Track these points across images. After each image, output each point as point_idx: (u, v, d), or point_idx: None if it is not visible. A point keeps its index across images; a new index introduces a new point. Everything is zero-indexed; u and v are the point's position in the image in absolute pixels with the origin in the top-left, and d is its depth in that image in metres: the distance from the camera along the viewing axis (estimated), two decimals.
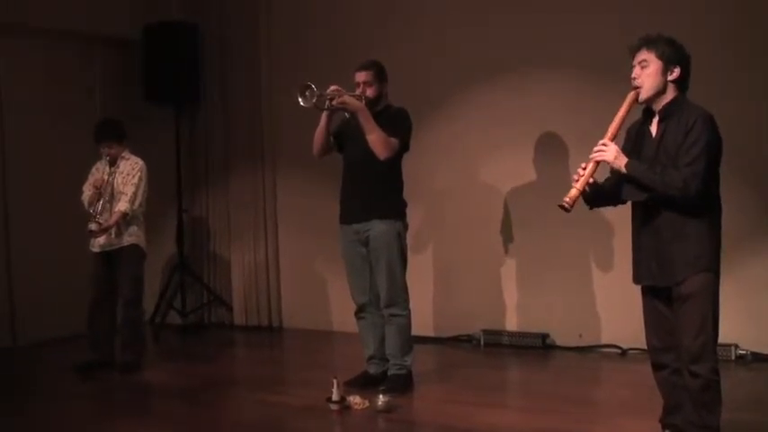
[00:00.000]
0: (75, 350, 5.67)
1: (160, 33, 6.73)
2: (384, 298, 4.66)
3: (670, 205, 3.20)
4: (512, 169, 5.88)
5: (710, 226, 3.24)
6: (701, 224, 3.21)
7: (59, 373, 5.38)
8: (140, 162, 5.42)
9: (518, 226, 5.91)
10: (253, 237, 6.93)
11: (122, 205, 5.27)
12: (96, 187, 5.30)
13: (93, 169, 5.47)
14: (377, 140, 4.49)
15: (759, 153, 5.08)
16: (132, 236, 5.38)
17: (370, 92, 4.62)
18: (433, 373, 5.27)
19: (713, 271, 3.23)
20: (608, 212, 4.87)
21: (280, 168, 6.88)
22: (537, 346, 5.76)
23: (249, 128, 6.89)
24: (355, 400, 4.38)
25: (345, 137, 4.74)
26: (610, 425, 4.08)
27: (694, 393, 3.21)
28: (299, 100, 4.38)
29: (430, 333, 6.11)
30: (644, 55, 3.27)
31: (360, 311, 4.81)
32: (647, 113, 3.37)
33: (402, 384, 4.67)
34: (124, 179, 5.35)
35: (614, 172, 3.36)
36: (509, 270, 5.94)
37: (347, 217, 4.73)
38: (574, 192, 3.25)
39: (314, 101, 4.40)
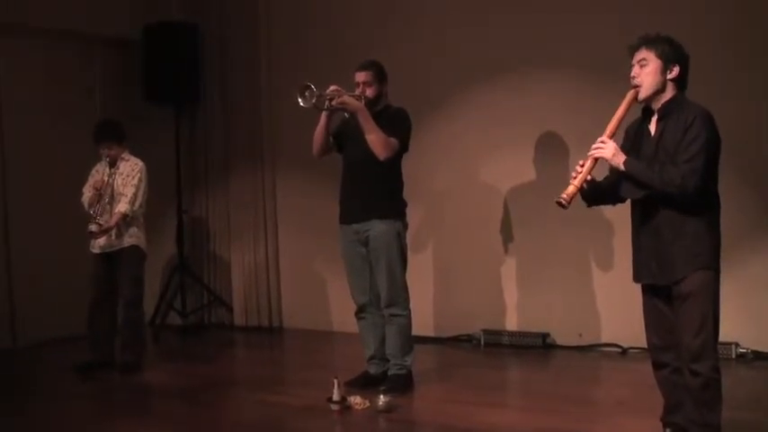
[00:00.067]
0: (75, 350, 5.67)
1: (160, 33, 6.73)
2: (384, 298, 4.66)
3: (668, 203, 3.20)
4: (511, 169, 5.89)
5: (709, 224, 3.25)
6: (699, 222, 3.21)
7: (59, 373, 5.38)
8: (140, 163, 5.42)
9: (518, 226, 5.91)
10: (253, 237, 6.93)
11: (122, 206, 5.27)
12: (96, 189, 5.30)
13: (94, 171, 5.47)
14: (376, 141, 4.49)
15: (759, 153, 5.09)
16: (132, 237, 5.38)
17: (369, 92, 4.62)
18: (433, 372, 5.27)
19: (713, 269, 3.23)
20: (608, 211, 4.89)
21: (279, 168, 6.89)
22: (537, 346, 5.76)
23: (249, 128, 6.89)
24: (356, 400, 4.38)
25: (345, 137, 4.74)
26: (610, 424, 4.08)
27: (695, 392, 3.21)
28: (299, 100, 4.38)
29: (430, 333, 6.11)
30: (643, 54, 3.28)
31: (360, 311, 4.81)
32: (647, 112, 3.37)
33: (402, 384, 4.67)
34: (124, 180, 5.35)
35: (613, 170, 3.37)
36: (509, 270, 5.95)
37: (347, 217, 4.73)
38: (571, 188, 3.26)
39: (313, 101, 4.39)
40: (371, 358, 4.82)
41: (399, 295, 4.66)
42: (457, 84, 6.01)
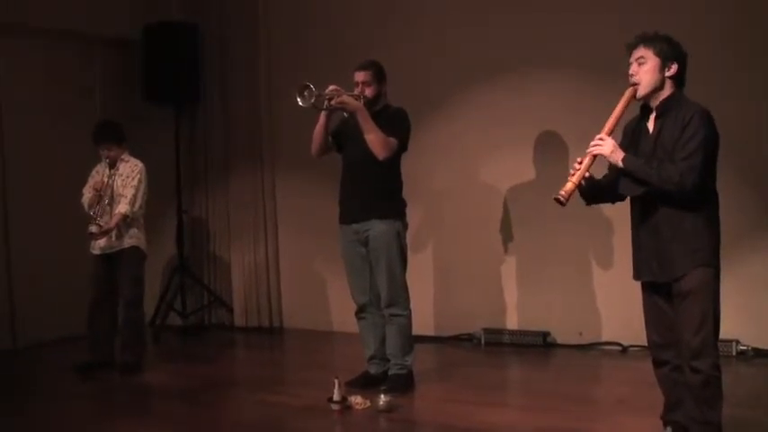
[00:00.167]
0: (75, 350, 5.67)
1: (160, 33, 6.73)
2: (384, 298, 4.66)
3: (667, 200, 3.21)
4: (511, 169, 5.89)
5: (708, 220, 3.25)
6: (697, 219, 3.22)
7: (59, 374, 5.38)
8: (140, 164, 5.42)
9: (518, 225, 5.91)
10: (252, 237, 6.93)
11: (122, 207, 5.27)
12: (96, 190, 5.30)
13: (93, 172, 5.47)
14: (375, 140, 4.49)
15: (759, 153, 5.09)
16: (132, 238, 5.37)
17: (368, 92, 4.62)
18: (433, 372, 5.27)
19: (713, 266, 3.23)
20: (607, 210, 4.89)
21: (279, 168, 6.88)
22: (537, 345, 5.76)
23: (249, 128, 6.89)
24: (356, 400, 4.38)
25: (344, 137, 4.75)
26: (610, 422, 4.09)
27: (695, 389, 3.22)
28: (298, 100, 4.38)
29: (430, 332, 6.11)
30: (641, 52, 3.29)
31: (360, 311, 4.81)
32: (645, 110, 3.38)
33: (403, 384, 4.67)
34: (124, 181, 5.35)
35: (612, 168, 3.37)
36: (509, 269, 5.95)
37: (347, 217, 4.73)
38: (569, 185, 3.27)
39: (312, 101, 4.39)
40: (372, 358, 4.82)
41: (399, 295, 4.66)
42: (457, 84, 6.01)
